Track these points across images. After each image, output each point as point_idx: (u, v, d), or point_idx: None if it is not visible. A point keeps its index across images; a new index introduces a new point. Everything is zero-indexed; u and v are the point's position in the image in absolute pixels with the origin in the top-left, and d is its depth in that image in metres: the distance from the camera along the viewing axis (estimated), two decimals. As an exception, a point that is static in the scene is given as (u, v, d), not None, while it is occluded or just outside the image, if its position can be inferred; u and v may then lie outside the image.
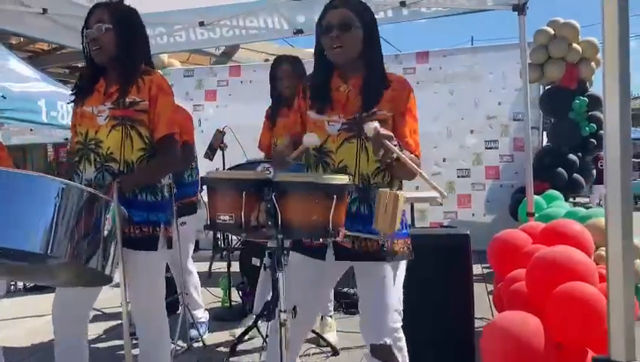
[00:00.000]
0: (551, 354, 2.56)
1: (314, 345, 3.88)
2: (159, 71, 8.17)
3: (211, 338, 4.19)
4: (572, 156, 7.00)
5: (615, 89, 1.34)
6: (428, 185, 2.01)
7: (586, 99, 7.08)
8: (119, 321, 4.40)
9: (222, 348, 3.97)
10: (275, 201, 1.91)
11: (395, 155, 1.96)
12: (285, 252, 2.03)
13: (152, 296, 2.53)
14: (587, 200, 10.68)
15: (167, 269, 4.31)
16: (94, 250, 2.06)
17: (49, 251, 1.95)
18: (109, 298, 4.97)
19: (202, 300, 4.33)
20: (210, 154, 4.29)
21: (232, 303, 4.76)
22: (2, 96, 5.93)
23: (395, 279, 2.24)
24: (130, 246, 2.39)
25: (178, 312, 3.90)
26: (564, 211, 5.06)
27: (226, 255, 4.86)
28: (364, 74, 2.24)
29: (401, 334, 2.25)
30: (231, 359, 3.75)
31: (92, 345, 3.88)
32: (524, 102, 4.51)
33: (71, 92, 2.56)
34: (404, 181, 2.35)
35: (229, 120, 7.30)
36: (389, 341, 2.18)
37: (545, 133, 7.64)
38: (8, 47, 11.73)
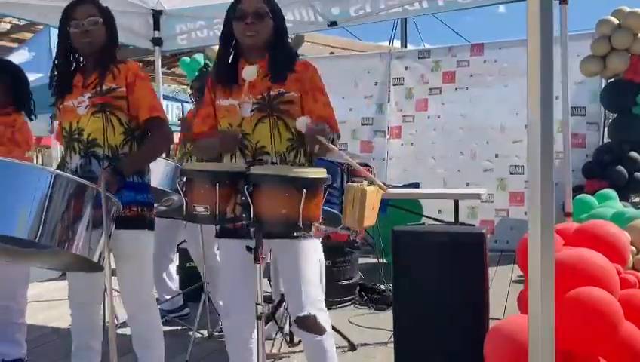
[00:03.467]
0: (556, 362, 2.42)
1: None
2: (208, 62, 8.25)
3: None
4: (634, 154, 6.59)
5: None
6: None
7: (653, 93, 6.64)
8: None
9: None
10: (247, 194, 1.91)
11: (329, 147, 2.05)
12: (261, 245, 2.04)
13: (141, 277, 2.58)
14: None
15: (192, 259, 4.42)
16: (81, 237, 2.12)
17: (37, 238, 2.04)
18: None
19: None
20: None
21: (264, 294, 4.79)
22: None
23: (311, 255, 2.31)
24: (120, 226, 2.45)
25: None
26: (612, 212, 4.78)
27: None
28: (269, 56, 2.37)
29: (322, 306, 2.34)
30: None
31: (120, 330, 4.07)
32: (564, 99, 4.28)
33: (52, 95, 2.65)
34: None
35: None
36: (312, 312, 2.26)
37: (605, 129, 7.22)
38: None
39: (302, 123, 2.04)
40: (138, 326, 2.61)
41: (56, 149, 7.15)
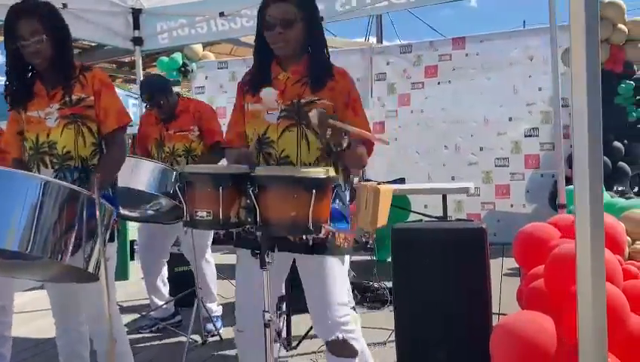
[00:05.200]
0: (565, 357, 2.39)
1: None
2: (194, 63, 8.17)
3: (229, 331, 4.16)
4: (617, 143, 6.65)
5: None
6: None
7: (632, 83, 6.70)
8: (137, 315, 4.46)
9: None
10: (253, 197, 1.83)
11: (343, 132, 1.92)
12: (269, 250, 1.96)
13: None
14: None
15: (186, 263, 4.31)
16: (76, 247, 2.02)
17: (28, 249, 1.93)
18: (131, 293, 5.07)
19: (223, 293, 4.30)
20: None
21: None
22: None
23: (337, 273, 2.20)
24: None
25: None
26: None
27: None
28: (307, 62, 2.24)
29: (351, 326, 2.22)
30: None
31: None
32: (553, 88, 4.25)
33: (5, 96, 2.53)
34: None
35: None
36: (340, 335, 2.16)
37: (588, 119, 7.26)
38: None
39: (314, 113, 1.92)
40: (102, 341, 2.51)
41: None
